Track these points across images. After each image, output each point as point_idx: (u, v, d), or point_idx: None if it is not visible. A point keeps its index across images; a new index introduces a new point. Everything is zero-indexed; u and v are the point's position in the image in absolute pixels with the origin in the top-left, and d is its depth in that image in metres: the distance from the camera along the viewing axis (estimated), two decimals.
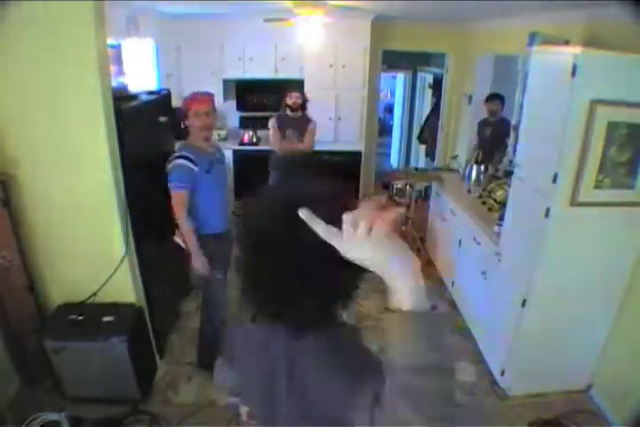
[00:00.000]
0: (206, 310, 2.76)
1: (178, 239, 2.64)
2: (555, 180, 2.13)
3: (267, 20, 3.77)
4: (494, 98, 4.15)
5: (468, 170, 3.95)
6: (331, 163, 5.21)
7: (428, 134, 6.24)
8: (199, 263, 2.52)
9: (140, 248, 2.56)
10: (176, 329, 3.24)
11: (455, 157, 4.59)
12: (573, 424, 2.42)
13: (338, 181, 0.80)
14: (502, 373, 2.65)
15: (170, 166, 2.43)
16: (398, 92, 7.89)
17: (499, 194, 3.27)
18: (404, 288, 0.66)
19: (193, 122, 2.45)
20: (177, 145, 2.76)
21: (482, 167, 3.87)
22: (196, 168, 2.40)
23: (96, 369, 2.33)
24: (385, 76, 6.44)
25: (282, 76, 4.98)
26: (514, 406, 2.48)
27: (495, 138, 4.13)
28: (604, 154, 2.09)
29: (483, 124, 4.32)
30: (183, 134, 2.59)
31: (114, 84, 2.44)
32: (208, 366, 2.30)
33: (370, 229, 0.64)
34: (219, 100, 5.10)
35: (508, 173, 3.04)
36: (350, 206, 0.68)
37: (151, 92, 2.93)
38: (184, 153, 2.41)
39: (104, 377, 2.37)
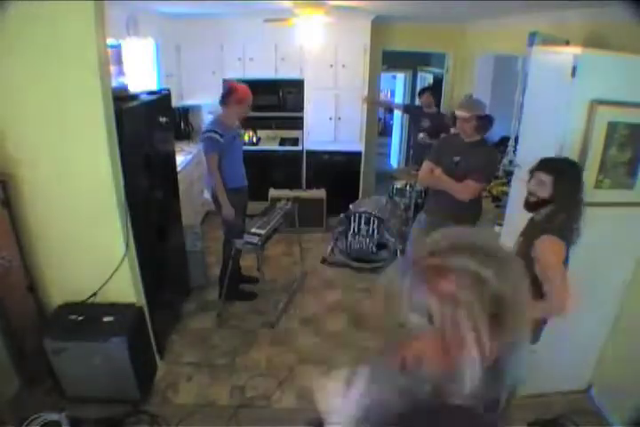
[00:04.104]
0: (227, 245, 3.40)
1: (206, 195, 3.60)
2: None
3: (267, 20, 3.77)
4: (425, 91, 4.89)
5: None
6: (331, 163, 5.22)
7: None
8: (228, 210, 3.26)
9: (140, 248, 2.56)
10: (176, 329, 3.24)
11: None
12: (573, 424, 2.42)
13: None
14: None
15: (203, 137, 3.24)
16: (398, 92, 7.89)
17: (498, 189, 3.27)
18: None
19: (242, 107, 3.29)
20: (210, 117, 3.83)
21: None
22: (222, 140, 3.17)
23: (96, 369, 2.33)
24: (385, 76, 6.44)
25: (282, 76, 4.97)
26: (514, 407, 2.47)
27: (434, 127, 4.56)
28: (604, 154, 2.09)
29: (419, 116, 4.84)
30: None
31: (114, 84, 2.45)
32: (232, 295, 3.47)
33: None
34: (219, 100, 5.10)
35: (509, 173, 3.04)
36: None
37: (151, 92, 2.92)
38: (214, 128, 3.19)
39: (104, 377, 2.37)
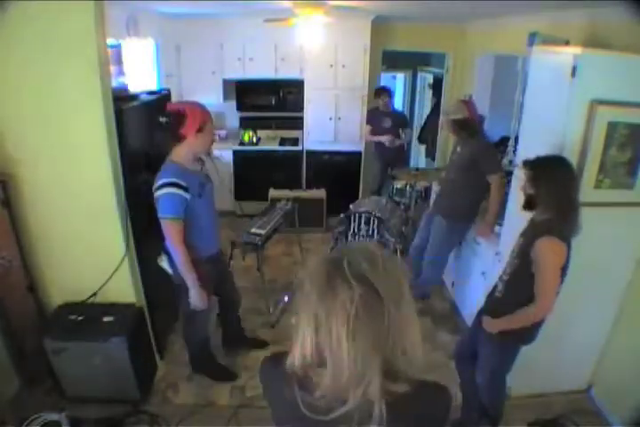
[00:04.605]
0: (188, 327, 2.60)
1: (164, 264, 2.34)
2: None
3: (267, 20, 3.77)
4: (382, 91, 4.85)
5: None
6: (331, 163, 5.22)
7: (429, 135, 6.25)
8: (197, 298, 2.29)
9: (140, 248, 2.56)
10: (176, 329, 3.23)
11: None
12: (573, 424, 2.42)
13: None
14: None
15: (159, 194, 2.10)
16: (398, 92, 7.88)
17: None
18: None
19: (205, 137, 2.20)
20: (167, 162, 2.25)
21: None
22: (187, 195, 2.13)
23: (96, 369, 2.33)
24: (385, 76, 6.44)
25: (282, 76, 4.97)
26: (514, 407, 2.48)
27: (394, 127, 4.78)
28: (604, 154, 2.09)
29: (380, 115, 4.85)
30: (179, 138, 2.18)
31: (114, 84, 2.45)
32: (201, 369, 2.78)
33: None
34: (219, 100, 5.11)
35: (508, 173, 3.03)
36: None
37: (151, 92, 2.92)
38: (174, 180, 2.10)
39: (104, 377, 2.37)
